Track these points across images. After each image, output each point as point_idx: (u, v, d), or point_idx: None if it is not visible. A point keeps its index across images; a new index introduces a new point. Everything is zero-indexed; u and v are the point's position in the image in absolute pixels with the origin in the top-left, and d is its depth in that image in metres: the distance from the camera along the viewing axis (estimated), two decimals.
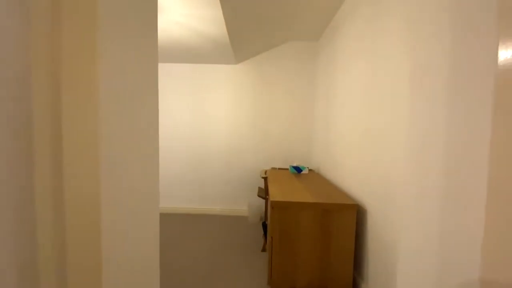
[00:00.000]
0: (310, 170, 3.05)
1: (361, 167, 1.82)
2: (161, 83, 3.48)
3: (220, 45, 2.77)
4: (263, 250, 2.35)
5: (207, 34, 2.53)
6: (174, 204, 3.59)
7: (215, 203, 3.58)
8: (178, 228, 3.07)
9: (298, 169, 2.85)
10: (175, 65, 3.47)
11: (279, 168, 3.23)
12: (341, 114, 2.28)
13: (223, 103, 3.47)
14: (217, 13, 2.08)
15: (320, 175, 2.83)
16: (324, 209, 1.72)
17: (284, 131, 3.45)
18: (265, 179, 2.25)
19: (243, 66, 3.43)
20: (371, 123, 1.70)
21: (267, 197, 2.18)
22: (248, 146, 3.49)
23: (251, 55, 3.36)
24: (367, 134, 1.75)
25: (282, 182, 2.27)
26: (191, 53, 3.08)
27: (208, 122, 3.50)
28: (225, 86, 3.46)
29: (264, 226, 2.24)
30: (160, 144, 3.54)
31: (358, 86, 1.92)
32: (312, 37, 3.25)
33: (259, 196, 2.39)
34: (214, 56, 3.15)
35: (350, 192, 2.01)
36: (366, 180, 1.74)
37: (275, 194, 1.87)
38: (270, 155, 3.47)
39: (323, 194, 1.94)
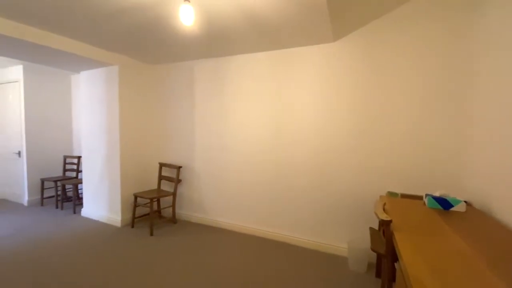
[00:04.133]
0: (467, 204, 1.73)
1: None
2: (233, 80, 2.94)
3: (311, 9, 1.91)
4: None
5: None
6: (245, 222, 2.97)
7: (299, 231, 2.72)
8: (243, 253, 2.39)
9: (444, 203, 1.63)
10: (248, 56, 2.85)
11: (401, 195, 2.04)
12: None
13: (313, 101, 2.57)
14: None
15: (495, 219, 1.50)
16: None
17: (410, 136, 2.21)
18: (387, 224, 1.24)
19: (344, 44, 2.42)
20: None
21: (395, 263, 1.15)
22: (350, 158, 2.44)
23: (356, 25, 2.32)
24: None
25: (423, 235, 1.19)
26: (268, 32, 2.34)
27: (293, 125, 2.69)
28: (317, 77, 2.55)
29: None
30: (235, 152, 3.01)
31: None
32: None
33: (373, 250, 1.38)
34: (300, 31, 2.30)
35: None
36: None
37: (426, 284, 0.85)
38: (385, 172, 2.31)
39: None
